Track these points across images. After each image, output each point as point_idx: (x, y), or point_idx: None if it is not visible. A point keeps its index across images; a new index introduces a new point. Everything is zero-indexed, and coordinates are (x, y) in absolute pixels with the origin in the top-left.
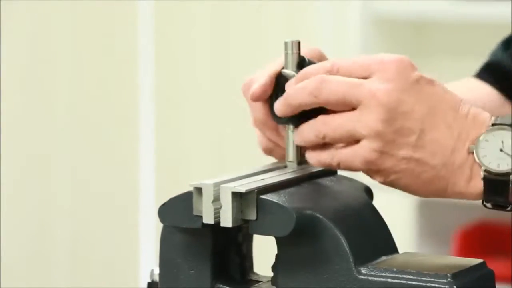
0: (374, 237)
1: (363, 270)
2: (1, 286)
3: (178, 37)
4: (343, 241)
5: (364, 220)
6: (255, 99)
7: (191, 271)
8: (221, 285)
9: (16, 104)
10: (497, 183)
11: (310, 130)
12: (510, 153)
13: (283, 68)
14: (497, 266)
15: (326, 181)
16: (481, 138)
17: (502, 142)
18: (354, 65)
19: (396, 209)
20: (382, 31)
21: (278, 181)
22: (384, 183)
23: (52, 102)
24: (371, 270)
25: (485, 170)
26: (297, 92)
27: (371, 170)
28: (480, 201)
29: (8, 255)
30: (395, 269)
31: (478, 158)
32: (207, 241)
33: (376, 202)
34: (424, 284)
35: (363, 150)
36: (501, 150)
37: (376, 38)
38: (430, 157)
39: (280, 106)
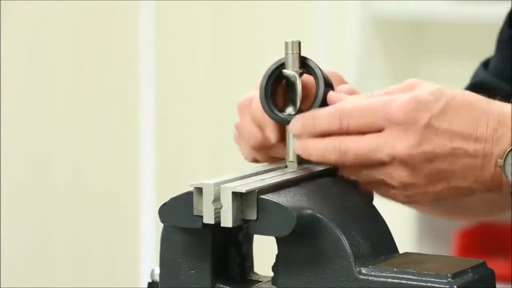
0: (374, 237)
1: (363, 270)
2: (1, 286)
3: (179, 37)
4: (343, 241)
5: (364, 220)
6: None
7: (192, 271)
8: (221, 285)
9: (16, 104)
10: None
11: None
12: None
13: (284, 68)
14: (497, 266)
15: (326, 181)
16: (508, 155)
17: None
18: (362, 117)
19: (396, 209)
20: (381, 31)
21: (278, 181)
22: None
23: (52, 102)
24: (371, 270)
25: None
26: (321, 151)
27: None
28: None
29: (8, 255)
30: (395, 269)
31: (506, 175)
32: (208, 241)
33: (376, 202)
34: (424, 284)
35: (398, 195)
36: None
37: (375, 38)
38: (463, 181)
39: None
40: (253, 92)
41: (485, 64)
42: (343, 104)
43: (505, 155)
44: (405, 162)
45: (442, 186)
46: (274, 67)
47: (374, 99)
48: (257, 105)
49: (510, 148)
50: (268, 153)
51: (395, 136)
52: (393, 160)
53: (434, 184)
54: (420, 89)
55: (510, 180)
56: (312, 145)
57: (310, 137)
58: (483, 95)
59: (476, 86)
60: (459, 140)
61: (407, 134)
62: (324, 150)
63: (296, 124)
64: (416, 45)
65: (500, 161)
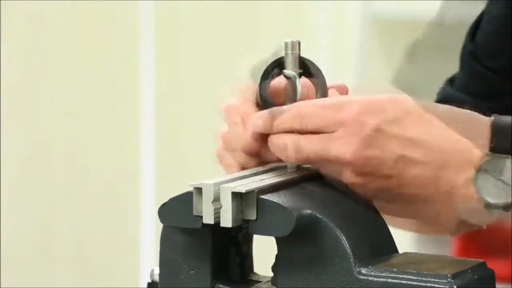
0: (374, 237)
1: (363, 270)
2: (1, 286)
3: (179, 37)
4: (343, 241)
5: (364, 220)
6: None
7: (191, 271)
8: (221, 285)
9: (16, 104)
10: (498, 208)
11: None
12: (510, 184)
13: (283, 68)
14: (497, 266)
15: (326, 181)
16: (480, 167)
17: (501, 171)
18: (317, 118)
19: None
20: (381, 31)
21: (278, 181)
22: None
23: (52, 102)
24: (371, 270)
25: (484, 203)
26: (279, 148)
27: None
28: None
29: (8, 255)
30: (395, 269)
31: (477, 190)
32: (207, 241)
33: None
34: (424, 284)
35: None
36: (500, 180)
37: (375, 38)
38: (416, 190)
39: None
40: (236, 97)
41: (451, 81)
42: (303, 104)
43: (475, 171)
44: (352, 165)
45: (391, 194)
46: (270, 67)
47: (333, 100)
48: (250, 107)
49: (480, 163)
50: (262, 155)
51: (343, 138)
52: (341, 162)
53: (384, 189)
54: (382, 95)
55: (479, 195)
56: (275, 141)
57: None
58: None
59: (443, 102)
60: (409, 147)
61: (354, 138)
62: (282, 147)
63: (258, 122)
64: (416, 45)
65: (471, 175)
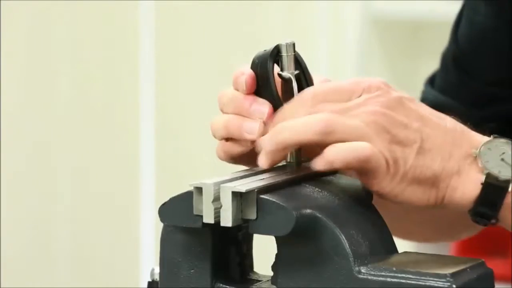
0: (373, 237)
1: (363, 270)
2: (1, 286)
3: (179, 37)
4: (343, 241)
5: (363, 220)
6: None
7: (191, 271)
8: (221, 284)
9: (16, 104)
10: (495, 189)
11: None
12: (510, 163)
13: (276, 55)
14: (496, 265)
15: (326, 180)
16: (485, 145)
17: (504, 153)
18: (335, 93)
19: None
20: (381, 31)
21: (278, 181)
22: (383, 193)
23: (52, 102)
24: (371, 269)
25: (487, 174)
26: (299, 128)
27: (372, 173)
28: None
29: (8, 255)
30: (394, 269)
31: (482, 162)
32: (207, 241)
33: (375, 202)
34: (423, 283)
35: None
36: (502, 159)
37: (374, 38)
38: (431, 163)
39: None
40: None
41: (431, 81)
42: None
43: (480, 148)
44: (379, 123)
45: (411, 161)
46: (271, 58)
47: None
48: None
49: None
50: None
51: (370, 102)
52: (370, 122)
53: (404, 154)
54: None
55: (485, 169)
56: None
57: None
58: None
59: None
60: (425, 122)
61: (382, 101)
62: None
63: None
64: (416, 45)
65: (475, 152)
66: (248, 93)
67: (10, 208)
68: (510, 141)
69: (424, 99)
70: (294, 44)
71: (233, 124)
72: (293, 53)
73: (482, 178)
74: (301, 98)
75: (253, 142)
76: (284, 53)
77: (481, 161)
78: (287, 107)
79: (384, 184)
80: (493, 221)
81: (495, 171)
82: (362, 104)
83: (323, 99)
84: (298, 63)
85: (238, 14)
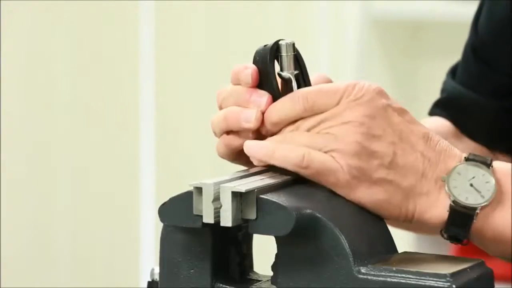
0: (373, 237)
1: (363, 270)
2: (1, 286)
3: (179, 37)
4: (343, 241)
5: (363, 220)
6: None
7: (191, 270)
8: (221, 284)
9: (16, 105)
10: (462, 216)
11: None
12: (479, 190)
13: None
14: (496, 265)
15: None
16: (454, 170)
17: (473, 177)
18: (323, 96)
19: None
20: (381, 32)
21: (278, 181)
22: (350, 199)
23: (52, 102)
24: (371, 269)
25: (453, 201)
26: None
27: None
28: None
29: (8, 255)
30: (394, 269)
31: (449, 188)
32: (207, 241)
33: None
34: (423, 283)
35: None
36: (471, 185)
37: (374, 39)
38: (401, 179)
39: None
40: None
41: (452, 72)
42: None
43: (451, 170)
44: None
45: (379, 174)
46: (271, 53)
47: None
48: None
49: (455, 165)
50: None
51: (352, 105)
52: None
53: (374, 167)
54: None
55: (451, 195)
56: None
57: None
58: (457, 110)
59: (448, 101)
60: (407, 134)
61: (364, 106)
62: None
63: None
64: (416, 45)
65: (444, 177)
66: (252, 86)
67: (10, 208)
68: (482, 165)
69: (444, 90)
70: (294, 44)
71: (232, 115)
72: (293, 53)
73: (449, 203)
74: (291, 98)
75: (253, 133)
76: (284, 53)
77: (448, 187)
78: (277, 104)
79: (346, 192)
80: (465, 242)
81: (461, 198)
82: (341, 113)
83: (312, 103)
84: (298, 62)
85: (238, 14)
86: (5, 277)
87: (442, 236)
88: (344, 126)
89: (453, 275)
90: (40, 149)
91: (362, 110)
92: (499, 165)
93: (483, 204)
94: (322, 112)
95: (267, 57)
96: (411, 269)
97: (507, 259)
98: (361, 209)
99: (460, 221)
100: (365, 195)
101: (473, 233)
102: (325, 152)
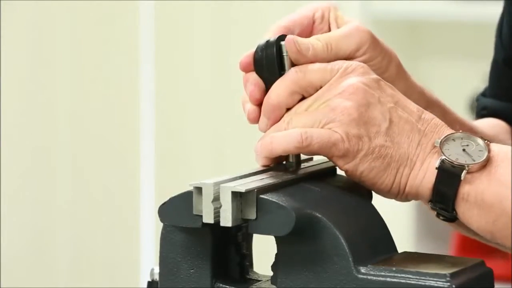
0: (373, 237)
1: (362, 270)
2: (1, 286)
3: (179, 37)
4: (343, 241)
5: (363, 220)
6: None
7: (191, 270)
8: (221, 284)
9: (16, 105)
10: (450, 175)
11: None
12: (471, 154)
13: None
14: (496, 265)
15: (326, 180)
16: (449, 136)
17: (467, 145)
18: (318, 73)
19: (395, 209)
20: (381, 31)
21: (278, 181)
22: (349, 170)
23: (52, 103)
24: (370, 269)
25: (443, 160)
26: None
27: (340, 155)
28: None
29: (8, 255)
30: (394, 269)
31: (441, 150)
32: (207, 240)
33: (375, 202)
34: (423, 283)
35: (339, 133)
36: (463, 150)
37: None
38: (397, 146)
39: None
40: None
41: (483, 95)
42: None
43: (444, 136)
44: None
45: (377, 140)
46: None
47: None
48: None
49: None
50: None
51: (348, 75)
52: (344, 91)
53: (372, 133)
54: None
55: (442, 154)
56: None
57: None
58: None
59: (494, 111)
60: (403, 104)
61: (360, 76)
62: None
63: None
64: (415, 45)
65: (437, 141)
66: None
67: (10, 208)
68: (478, 138)
69: (484, 108)
70: None
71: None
72: None
73: (438, 162)
74: (286, 79)
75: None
76: (285, 53)
77: (441, 148)
78: (273, 87)
79: (346, 161)
80: (452, 214)
81: (452, 158)
82: (335, 85)
83: (308, 81)
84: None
85: (238, 14)
86: (5, 277)
87: (431, 208)
88: (339, 96)
89: (453, 275)
90: (40, 149)
91: (355, 79)
92: (499, 146)
93: (471, 164)
94: (317, 90)
95: (273, 47)
96: (411, 269)
97: (507, 249)
98: (361, 209)
99: (448, 180)
100: (363, 162)
101: (458, 200)
102: (325, 125)
